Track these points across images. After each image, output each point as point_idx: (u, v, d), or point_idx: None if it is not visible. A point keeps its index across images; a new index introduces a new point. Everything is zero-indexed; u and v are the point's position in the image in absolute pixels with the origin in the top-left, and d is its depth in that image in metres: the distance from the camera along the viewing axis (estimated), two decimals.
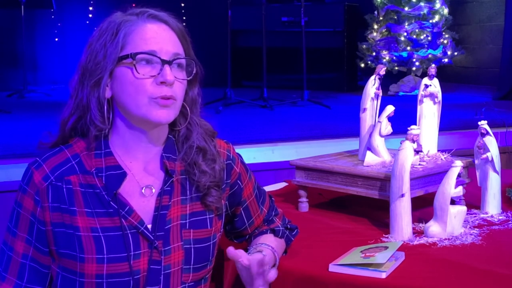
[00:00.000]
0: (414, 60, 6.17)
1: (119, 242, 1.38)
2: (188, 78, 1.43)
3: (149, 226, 1.40)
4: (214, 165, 1.48)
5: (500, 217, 1.93)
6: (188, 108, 1.47)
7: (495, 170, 1.97)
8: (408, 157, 1.74)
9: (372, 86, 2.08)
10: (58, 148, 1.43)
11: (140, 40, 1.38)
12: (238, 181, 1.56)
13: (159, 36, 1.39)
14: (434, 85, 2.14)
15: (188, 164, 1.46)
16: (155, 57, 1.37)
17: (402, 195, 1.73)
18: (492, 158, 1.96)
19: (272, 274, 1.47)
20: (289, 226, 1.69)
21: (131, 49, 1.38)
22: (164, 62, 1.37)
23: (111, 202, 1.39)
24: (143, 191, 1.43)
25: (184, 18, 7.06)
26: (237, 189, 1.56)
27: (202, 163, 1.46)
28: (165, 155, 1.45)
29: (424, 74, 4.69)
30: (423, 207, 1.97)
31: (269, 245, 1.56)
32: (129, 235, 1.38)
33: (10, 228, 1.43)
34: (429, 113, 2.15)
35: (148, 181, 1.44)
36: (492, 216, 1.94)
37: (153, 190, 1.44)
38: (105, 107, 1.40)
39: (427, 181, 1.94)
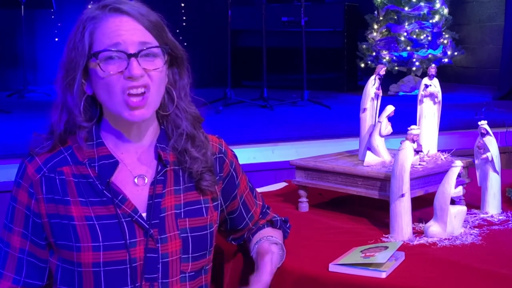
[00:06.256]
0: (414, 60, 6.16)
1: (115, 230, 1.38)
2: (161, 67, 1.39)
3: (144, 215, 1.41)
4: (204, 151, 1.48)
5: (500, 217, 1.93)
6: (175, 95, 1.46)
7: (495, 170, 1.96)
8: (408, 157, 1.74)
9: (372, 86, 2.08)
10: (50, 141, 1.43)
11: (103, 37, 1.36)
12: (233, 172, 1.57)
13: (121, 29, 1.36)
14: (434, 85, 2.14)
15: (179, 152, 1.46)
16: (120, 52, 1.35)
17: (402, 195, 1.73)
18: (492, 158, 1.96)
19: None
20: (283, 218, 1.71)
21: (96, 46, 1.36)
22: (129, 56, 1.35)
23: (104, 191, 1.39)
24: (135, 180, 1.43)
25: (184, 18, 7.07)
26: (231, 181, 1.57)
27: (192, 150, 1.46)
28: (159, 145, 1.46)
29: (424, 74, 4.69)
30: (423, 207, 1.97)
31: (272, 236, 1.59)
32: (124, 223, 1.39)
33: (6, 225, 1.44)
34: (429, 113, 2.15)
35: (140, 171, 1.44)
36: (492, 216, 1.94)
37: (146, 180, 1.44)
38: (82, 104, 1.39)
39: (427, 181, 1.94)
